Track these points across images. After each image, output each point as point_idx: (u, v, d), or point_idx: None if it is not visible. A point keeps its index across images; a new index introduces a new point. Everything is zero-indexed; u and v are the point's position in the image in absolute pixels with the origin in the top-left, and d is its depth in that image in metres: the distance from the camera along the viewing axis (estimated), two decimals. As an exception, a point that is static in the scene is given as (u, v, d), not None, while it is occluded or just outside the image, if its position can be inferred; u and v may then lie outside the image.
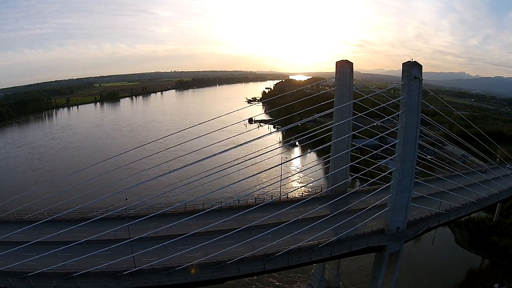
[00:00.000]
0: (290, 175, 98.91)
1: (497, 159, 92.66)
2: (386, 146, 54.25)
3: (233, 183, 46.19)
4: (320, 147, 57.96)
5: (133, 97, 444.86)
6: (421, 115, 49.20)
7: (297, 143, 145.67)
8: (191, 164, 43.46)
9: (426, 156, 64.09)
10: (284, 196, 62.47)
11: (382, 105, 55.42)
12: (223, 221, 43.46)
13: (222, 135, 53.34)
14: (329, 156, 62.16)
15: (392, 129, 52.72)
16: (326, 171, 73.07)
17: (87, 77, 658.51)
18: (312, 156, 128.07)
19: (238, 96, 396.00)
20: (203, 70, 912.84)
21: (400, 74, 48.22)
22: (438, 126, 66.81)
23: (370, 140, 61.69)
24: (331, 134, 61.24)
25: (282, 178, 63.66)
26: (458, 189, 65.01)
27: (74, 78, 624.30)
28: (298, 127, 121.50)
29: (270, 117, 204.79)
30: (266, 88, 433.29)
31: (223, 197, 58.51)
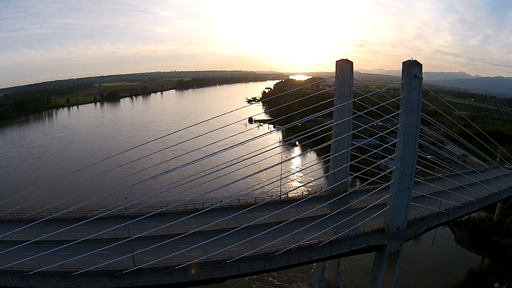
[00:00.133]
0: (290, 174, 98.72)
1: (497, 159, 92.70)
2: (386, 146, 54.24)
3: (233, 182, 46.04)
4: (320, 146, 57.95)
5: (133, 97, 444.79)
6: (422, 115, 49.21)
7: (297, 143, 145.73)
8: (191, 163, 43.56)
9: (426, 155, 64.08)
10: (284, 196, 62.41)
11: (382, 104, 55.42)
12: (223, 220, 43.47)
13: (222, 135, 53.36)
14: (329, 156, 62.13)
15: (392, 128, 52.68)
16: (326, 170, 73.02)
17: (87, 77, 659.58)
18: (312, 156, 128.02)
19: (238, 96, 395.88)
20: (203, 70, 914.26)
21: (400, 74, 48.21)
22: (439, 125, 66.83)
23: (370, 139, 61.64)
24: (331, 133, 61.22)
25: (282, 178, 63.65)
26: (458, 188, 65.00)
27: (74, 78, 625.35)
28: (298, 126, 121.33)
29: (270, 116, 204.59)
30: (266, 88, 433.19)
31: (223, 196, 58.48)
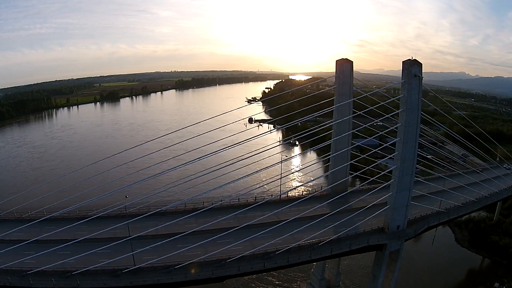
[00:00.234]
0: (290, 173, 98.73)
1: (497, 158, 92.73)
2: (385, 145, 54.21)
3: (233, 182, 46.03)
4: (320, 145, 57.89)
5: (133, 97, 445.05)
6: (422, 114, 49.19)
7: (297, 142, 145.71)
8: (191, 162, 43.52)
9: (426, 155, 64.08)
10: (284, 195, 62.41)
11: (382, 103, 55.38)
12: (223, 219, 43.35)
13: (222, 135, 53.30)
14: (329, 155, 62.10)
15: (391, 127, 52.65)
16: (326, 170, 73.02)
17: (87, 77, 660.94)
18: (312, 155, 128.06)
19: (238, 96, 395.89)
20: (203, 70, 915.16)
21: (400, 74, 48.14)
22: (439, 125, 66.79)
23: (370, 138, 61.60)
24: (331, 133, 61.20)
25: (282, 177, 63.61)
26: (458, 188, 64.95)
27: (74, 78, 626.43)
28: (298, 126, 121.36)
29: (270, 116, 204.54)
30: (266, 88, 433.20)
31: (223, 196, 58.42)
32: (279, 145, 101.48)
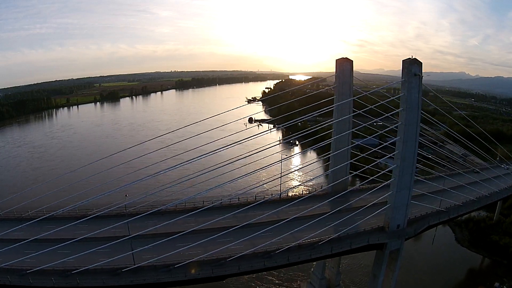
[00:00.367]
0: (290, 173, 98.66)
1: (498, 158, 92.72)
2: (385, 144, 54.17)
3: (233, 181, 45.93)
4: (320, 145, 57.81)
5: (133, 97, 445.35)
6: (422, 114, 49.15)
7: (297, 142, 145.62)
8: (191, 161, 43.40)
9: (427, 154, 64.00)
10: (284, 194, 62.39)
11: (381, 102, 55.31)
12: (223, 218, 43.32)
13: (222, 134, 53.20)
14: (329, 154, 62.06)
15: (391, 126, 52.61)
16: (326, 169, 73.07)
17: (87, 77, 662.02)
18: (311, 155, 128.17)
19: (238, 96, 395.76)
20: (203, 70, 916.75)
21: (400, 74, 48.11)
22: (439, 125, 66.75)
23: (370, 137, 61.57)
24: (331, 132, 61.15)
25: (282, 176, 63.51)
26: (458, 187, 64.95)
27: (74, 78, 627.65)
28: (298, 125, 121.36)
29: (270, 116, 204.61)
30: (266, 88, 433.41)
31: (223, 195, 58.36)
32: (279, 144, 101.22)
